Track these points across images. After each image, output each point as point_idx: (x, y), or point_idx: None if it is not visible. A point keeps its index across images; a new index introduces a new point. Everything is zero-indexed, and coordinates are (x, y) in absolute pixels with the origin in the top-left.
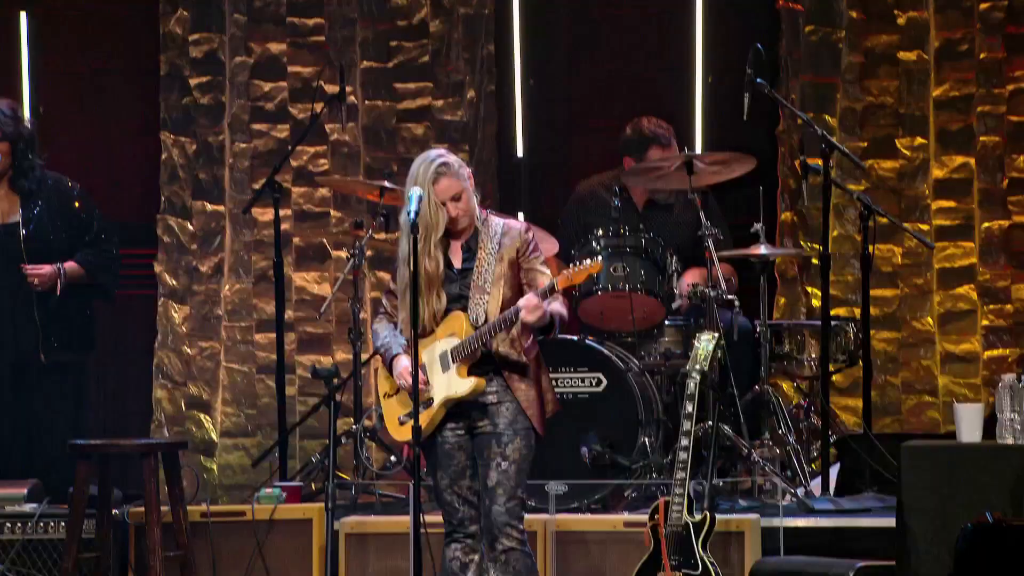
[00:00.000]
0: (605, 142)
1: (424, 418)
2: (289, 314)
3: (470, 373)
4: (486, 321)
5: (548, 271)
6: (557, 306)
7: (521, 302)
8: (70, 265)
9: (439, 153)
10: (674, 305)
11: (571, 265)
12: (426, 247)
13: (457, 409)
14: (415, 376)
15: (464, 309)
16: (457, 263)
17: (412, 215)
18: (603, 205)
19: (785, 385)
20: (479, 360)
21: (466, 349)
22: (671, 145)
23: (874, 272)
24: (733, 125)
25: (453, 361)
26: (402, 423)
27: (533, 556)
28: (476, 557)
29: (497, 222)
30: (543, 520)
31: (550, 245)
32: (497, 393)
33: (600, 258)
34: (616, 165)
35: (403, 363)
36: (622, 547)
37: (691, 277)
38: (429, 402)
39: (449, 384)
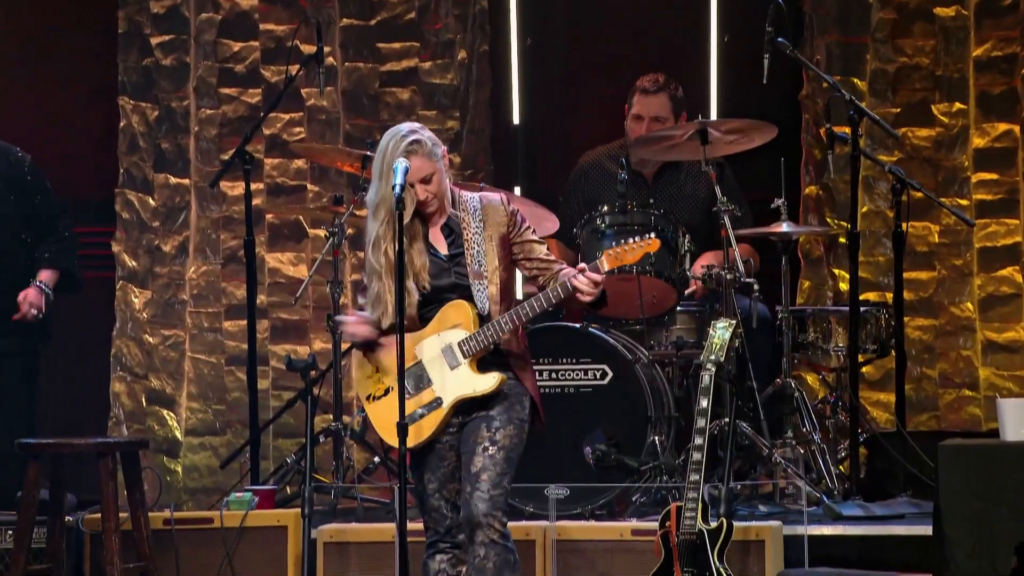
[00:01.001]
0: (610, 108)
1: (432, 420)
2: (261, 299)
3: (480, 368)
4: (489, 312)
5: (538, 238)
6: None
7: (578, 281)
8: (47, 276)
9: (411, 128)
10: (687, 291)
11: (623, 242)
12: (391, 232)
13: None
14: (401, 371)
15: (464, 298)
16: (443, 249)
17: (398, 189)
18: (609, 178)
19: (809, 378)
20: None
21: (481, 342)
22: (654, 95)
23: (908, 252)
24: (751, 90)
25: (464, 356)
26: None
27: (515, 553)
28: (463, 569)
29: (471, 197)
30: (542, 527)
31: (550, 224)
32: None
33: (653, 235)
34: (622, 135)
35: (350, 319)
36: (629, 557)
37: (706, 260)
38: (437, 403)
39: (463, 381)
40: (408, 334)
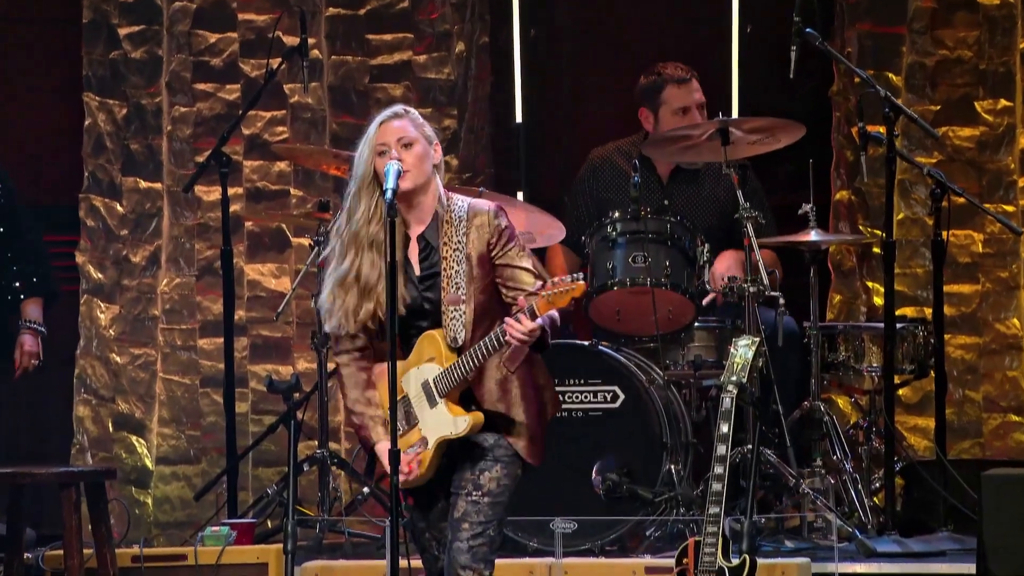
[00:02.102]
0: (623, 105)
1: (423, 460)
2: (240, 314)
3: (462, 401)
4: (463, 342)
5: (530, 265)
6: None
7: (512, 332)
8: (36, 311)
9: (402, 106)
10: (704, 301)
11: (547, 283)
12: (366, 233)
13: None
14: (393, 404)
15: (433, 326)
16: (415, 264)
17: (390, 193)
18: (621, 178)
19: (840, 401)
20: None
21: (452, 379)
22: (689, 82)
23: (949, 263)
24: (777, 85)
25: (439, 395)
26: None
27: None
28: None
29: (461, 204)
30: (547, 564)
31: (556, 232)
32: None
33: (582, 277)
34: (636, 131)
35: (405, 459)
36: None
37: (724, 262)
38: (424, 443)
39: (441, 422)
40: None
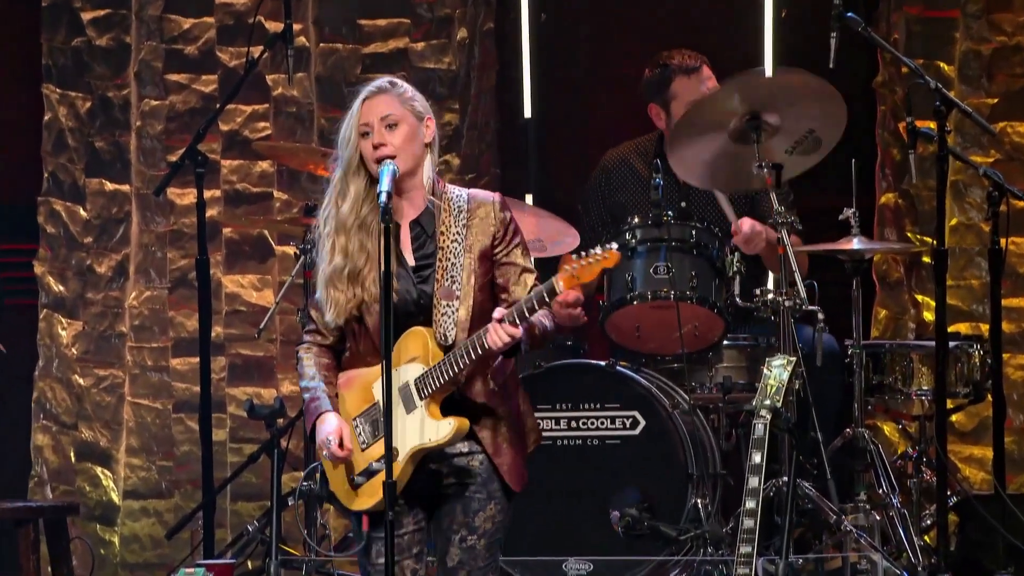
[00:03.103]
0: (640, 98)
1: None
2: (218, 331)
3: (444, 411)
4: (453, 341)
5: (531, 265)
6: (538, 315)
7: (492, 336)
8: None
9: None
10: (731, 258)
11: (578, 255)
12: (355, 217)
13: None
14: (388, 414)
15: (425, 322)
16: (408, 256)
17: (384, 196)
18: (637, 180)
19: (887, 428)
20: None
21: (437, 379)
22: (699, 70)
23: (1007, 274)
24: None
25: (421, 397)
26: (357, 485)
27: None
28: None
29: (459, 193)
30: None
31: (570, 239)
32: (468, 439)
33: (615, 246)
34: (654, 128)
35: (327, 425)
36: None
37: (748, 224)
38: (394, 453)
39: (418, 428)
40: (362, 369)
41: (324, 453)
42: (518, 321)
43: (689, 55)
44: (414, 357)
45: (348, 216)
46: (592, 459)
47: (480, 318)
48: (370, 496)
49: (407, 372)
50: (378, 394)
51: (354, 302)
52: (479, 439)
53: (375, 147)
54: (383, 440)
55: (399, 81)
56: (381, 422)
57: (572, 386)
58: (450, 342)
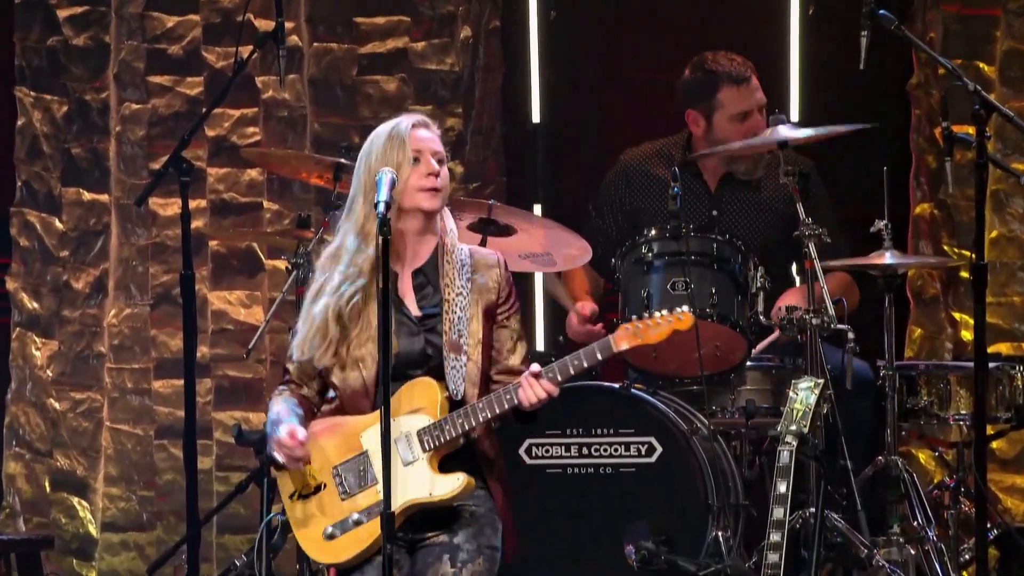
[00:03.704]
0: (662, 101)
1: (372, 531)
2: (204, 351)
3: (442, 467)
4: (463, 397)
5: (521, 338)
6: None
7: (526, 392)
8: None
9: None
10: (758, 348)
11: (644, 317)
12: (365, 247)
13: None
14: (386, 452)
15: (434, 374)
16: (412, 306)
17: (382, 207)
18: (658, 186)
19: (922, 455)
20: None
21: (448, 432)
22: (749, 80)
23: None
24: (845, 77)
25: (424, 449)
26: (329, 538)
27: None
28: None
29: (460, 247)
30: None
31: (578, 253)
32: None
33: (687, 308)
34: (677, 131)
35: (286, 428)
36: None
37: (790, 300)
38: (377, 508)
39: (419, 482)
40: (351, 417)
41: (274, 453)
42: (560, 378)
43: (739, 62)
44: (418, 408)
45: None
46: (605, 489)
47: (485, 376)
48: (345, 549)
49: (409, 423)
50: (367, 443)
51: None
52: (490, 491)
53: (430, 175)
54: (369, 490)
55: (432, 125)
56: (369, 472)
57: (583, 410)
58: (459, 396)
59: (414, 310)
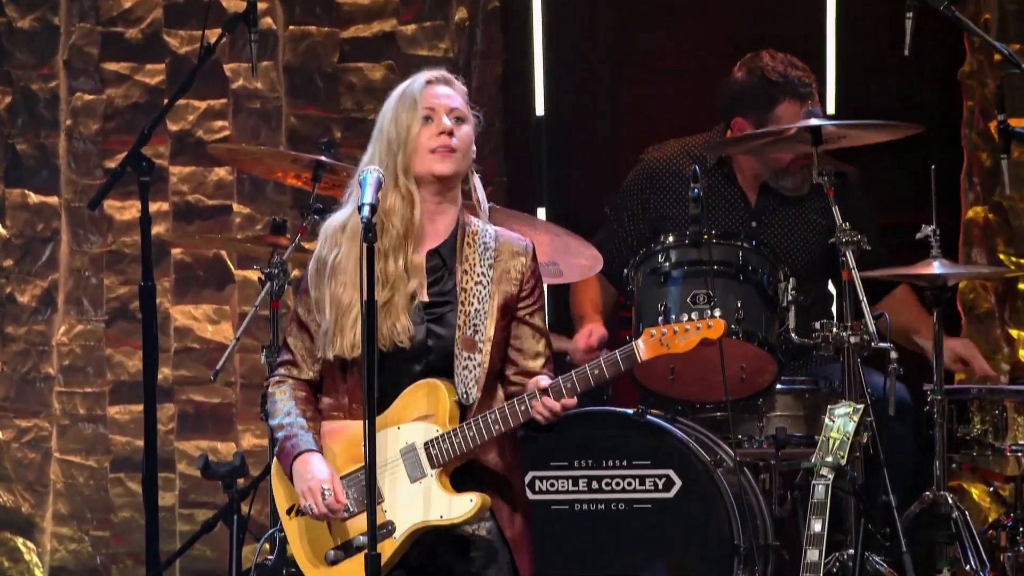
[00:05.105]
0: (682, 94)
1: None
2: (165, 373)
3: (454, 483)
4: (474, 402)
5: (543, 330)
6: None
7: (540, 406)
8: None
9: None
10: (784, 284)
11: (671, 321)
12: (386, 234)
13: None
14: (371, 479)
15: (443, 374)
16: (421, 289)
17: (366, 210)
18: (685, 186)
19: (975, 490)
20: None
21: (458, 447)
22: (812, 95)
23: None
24: (887, 66)
25: (433, 465)
26: (332, 562)
27: None
28: None
29: (486, 228)
30: None
31: (586, 262)
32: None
33: (718, 313)
34: (706, 127)
35: (315, 468)
36: None
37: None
38: (387, 529)
39: (428, 502)
40: (349, 420)
41: (305, 505)
42: (579, 389)
43: (801, 69)
44: (426, 415)
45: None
46: (617, 528)
47: (492, 383)
48: None
49: (414, 432)
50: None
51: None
52: (494, 513)
53: (442, 134)
54: (378, 509)
55: (458, 78)
56: (377, 488)
57: (593, 439)
58: (470, 401)
59: (423, 295)
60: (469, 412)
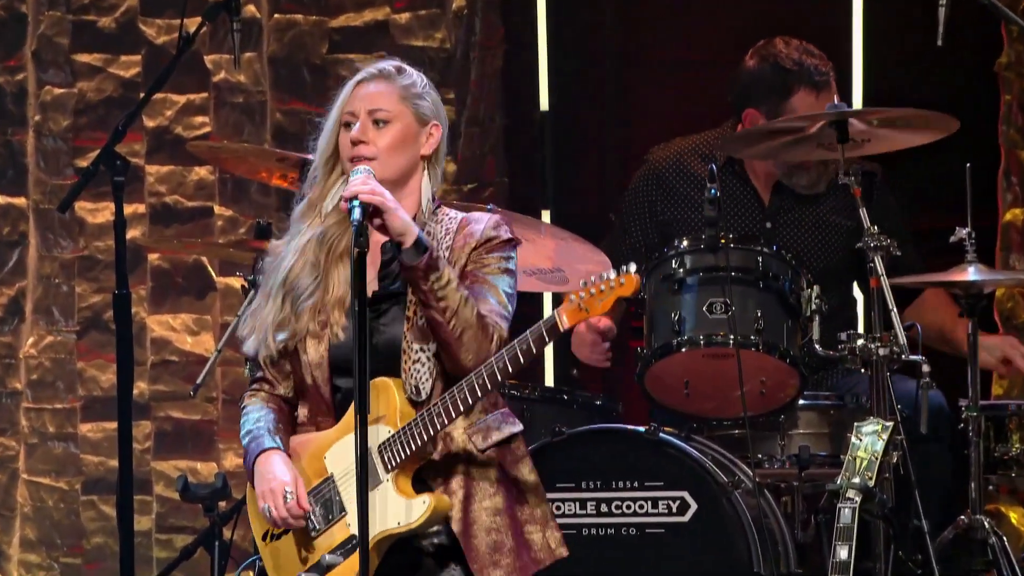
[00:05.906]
0: (694, 87)
1: (347, 571)
2: (142, 387)
3: (415, 485)
4: (430, 394)
5: (508, 287)
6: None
7: None
8: None
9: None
10: (808, 292)
11: (586, 283)
12: (318, 222)
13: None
14: (362, 486)
15: (390, 371)
16: (372, 280)
17: (358, 211)
18: (696, 187)
19: (1013, 514)
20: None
21: (408, 445)
22: (830, 84)
23: None
24: (919, 56)
25: (388, 468)
26: None
27: None
28: None
29: (452, 215)
30: None
31: (595, 267)
32: (444, 528)
33: (632, 268)
34: (719, 123)
35: (276, 468)
36: None
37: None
38: (352, 544)
39: (385, 510)
40: (312, 433)
41: (264, 507)
42: (511, 370)
43: (818, 57)
44: (379, 417)
45: (306, 214)
46: (628, 554)
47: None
48: None
49: (370, 436)
50: (332, 465)
51: (289, 336)
52: (469, 521)
53: (353, 143)
54: (339, 523)
55: (410, 70)
56: (335, 501)
57: (601, 459)
58: (423, 396)
59: (372, 283)
60: (424, 408)
